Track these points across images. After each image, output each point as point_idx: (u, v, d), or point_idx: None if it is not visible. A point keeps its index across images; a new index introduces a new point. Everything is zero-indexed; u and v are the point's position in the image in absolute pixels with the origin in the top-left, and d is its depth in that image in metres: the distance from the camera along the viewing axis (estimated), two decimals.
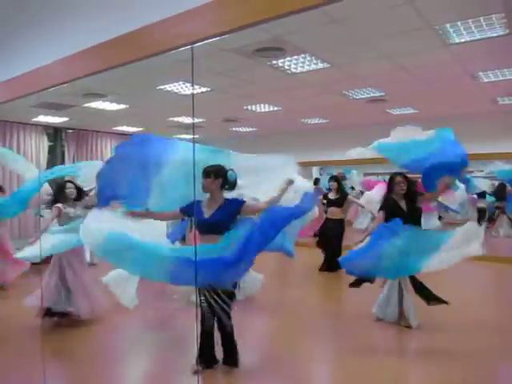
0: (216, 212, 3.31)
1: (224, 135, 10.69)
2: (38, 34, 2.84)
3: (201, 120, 8.37)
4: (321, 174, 11.24)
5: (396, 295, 4.50)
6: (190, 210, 3.38)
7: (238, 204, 3.31)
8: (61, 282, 4.63)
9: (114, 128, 9.61)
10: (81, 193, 4.85)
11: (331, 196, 7.25)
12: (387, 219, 4.36)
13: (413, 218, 4.31)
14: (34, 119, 8.16)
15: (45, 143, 8.86)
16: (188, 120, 8.34)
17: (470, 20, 3.69)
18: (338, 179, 7.35)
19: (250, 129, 9.92)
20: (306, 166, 11.11)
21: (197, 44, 1.87)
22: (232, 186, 3.35)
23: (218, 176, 3.31)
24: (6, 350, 4.09)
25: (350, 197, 7.38)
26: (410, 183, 4.48)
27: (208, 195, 3.39)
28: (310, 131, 9.82)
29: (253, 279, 5.18)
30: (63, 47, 2.52)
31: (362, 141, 8.54)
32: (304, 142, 10.08)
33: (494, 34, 3.98)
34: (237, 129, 9.87)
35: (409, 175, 4.56)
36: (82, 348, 4.21)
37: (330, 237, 7.17)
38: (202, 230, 3.38)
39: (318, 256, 7.35)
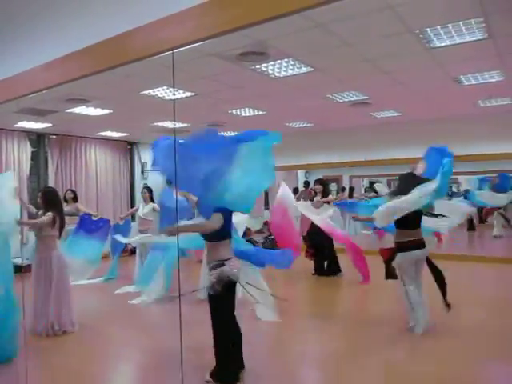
0: None
1: None
2: (17, 41, 2.81)
3: (185, 125, 8.34)
4: (307, 178, 11.29)
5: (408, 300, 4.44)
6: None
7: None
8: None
9: (98, 133, 9.53)
10: None
11: (317, 199, 7.25)
12: None
13: (410, 217, 4.28)
14: (16, 125, 8.05)
15: (28, 149, 8.74)
16: (172, 125, 8.30)
17: (449, 24, 3.75)
18: (323, 182, 7.37)
19: (235, 133, 9.90)
20: (291, 170, 11.19)
21: (177, 50, 1.87)
22: None
23: None
24: None
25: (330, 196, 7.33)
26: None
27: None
28: (295, 134, 9.84)
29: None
30: (43, 53, 2.49)
31: (346, 144, 8.66)
32: (289, 146, 10.08)
33: (474, 38, 4.05)
34: (222, 133, 9.84)
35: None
36: (69, 358, 4.14)
37: (321, 240, 7.14)
38: (204, 236, 3.36)
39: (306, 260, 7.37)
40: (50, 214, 4.56)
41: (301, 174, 11.60)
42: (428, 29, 3.86)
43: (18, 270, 4.36)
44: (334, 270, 7.22)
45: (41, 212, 4.77)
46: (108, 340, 4.59)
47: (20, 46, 2.76)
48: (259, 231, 9.71)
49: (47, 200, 4.70)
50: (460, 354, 3.87)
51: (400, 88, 6.03)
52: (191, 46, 1.87)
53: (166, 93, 5.86)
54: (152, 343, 4.41)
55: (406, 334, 4.36)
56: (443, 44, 4.21)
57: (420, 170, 4.62)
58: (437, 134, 8.32)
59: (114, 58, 2.13)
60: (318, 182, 7.36)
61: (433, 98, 6.77)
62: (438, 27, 3.82)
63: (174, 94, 5.88)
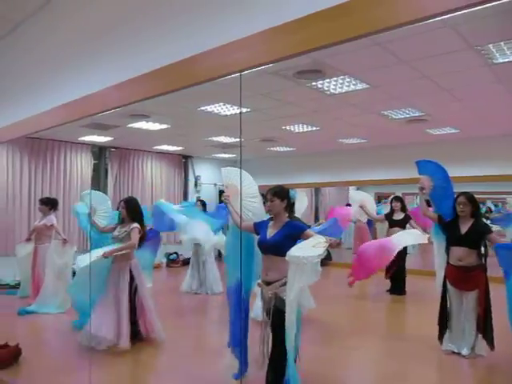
0: (277, 233, 3.24)
1: (261, 154, 10.81)
2: (94, 62, 3.02)
3: (239, 140, 8.49)
4: None
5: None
6: (259, 227, 3.40)
7: (300, 229, 3.20)
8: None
9: (155, 147, 9.90)
10: None
11: (395, 217, 7.12)
12: (446, 235, 4.32)
13: (470, 242, 4.12)
14: (80, 138, 8.51)
15: (90, 161, 9.21)
16: (227, 140, 8.49)
17: None
18: (401, 199, 7.25)
19: (288, 148, 9.99)
20: (343, 186, 11.10)
21: (245, 72, 1.96)
22: (293, 205, 3.35)
23: (285, 197, 3.29)
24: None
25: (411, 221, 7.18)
26: (475, 207, 4.21)
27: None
28: (348, 151, 9.80)
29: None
30: (116, 74, 2.68)
31: (400, 161, 8.48)
32: (341, 162, 10.05)
33: None
34: (274, 148, 9.96)
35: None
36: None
37: (396, 258, 7.05)
38: (261, 249, 3.35)
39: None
40: (136, 225, 4.54)
41: (352, 190, 11.46)
42: (490, 45, 3.78)
43: None
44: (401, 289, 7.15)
45: (120, 223, 4.71)
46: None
47: (96, 67, 2.97)
48: None
49: (132, 210, 4.67)
50: None
51: (459, 104, 5.89)
52: (258, 68, 1.96)
53: (222, 109, 6.04)
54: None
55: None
56: (506, 60, 4.11)
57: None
58: (497, 151, 8.02)
59: (184, 79, 2.25)
60: (397, 199, 7.24)
61: (492, 114, 6.55)
62: (501, 43, 3.73)
63: (240, 115, 6.05)
